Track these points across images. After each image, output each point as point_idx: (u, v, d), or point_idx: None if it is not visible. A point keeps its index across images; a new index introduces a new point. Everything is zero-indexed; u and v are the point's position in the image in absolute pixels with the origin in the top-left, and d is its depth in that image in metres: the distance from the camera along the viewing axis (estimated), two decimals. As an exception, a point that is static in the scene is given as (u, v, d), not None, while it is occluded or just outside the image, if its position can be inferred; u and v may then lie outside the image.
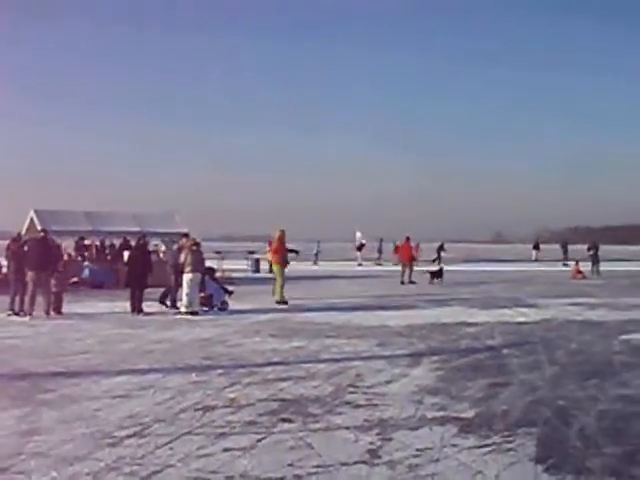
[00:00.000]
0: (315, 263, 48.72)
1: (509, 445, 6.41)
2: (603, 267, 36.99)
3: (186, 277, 17.29)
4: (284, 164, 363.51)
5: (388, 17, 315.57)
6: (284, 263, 20.62)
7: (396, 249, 38.94)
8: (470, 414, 7.55)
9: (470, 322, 15.76)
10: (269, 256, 21.18)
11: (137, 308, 17.41)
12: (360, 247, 49.63)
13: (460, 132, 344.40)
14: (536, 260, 56.95)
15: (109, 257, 29.03)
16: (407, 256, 30.35)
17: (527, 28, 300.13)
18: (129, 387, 8.82)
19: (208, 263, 19.80)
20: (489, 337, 13.40)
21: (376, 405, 7.91)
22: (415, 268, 30.55)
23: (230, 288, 19.31)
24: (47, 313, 16.75)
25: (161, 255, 27.70)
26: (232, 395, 8.36)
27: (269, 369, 10.06)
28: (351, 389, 8.75)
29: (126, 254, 21.69)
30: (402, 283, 28.89)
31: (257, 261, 39.54)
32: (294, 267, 25.01)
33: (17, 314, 16.91)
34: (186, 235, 18.97)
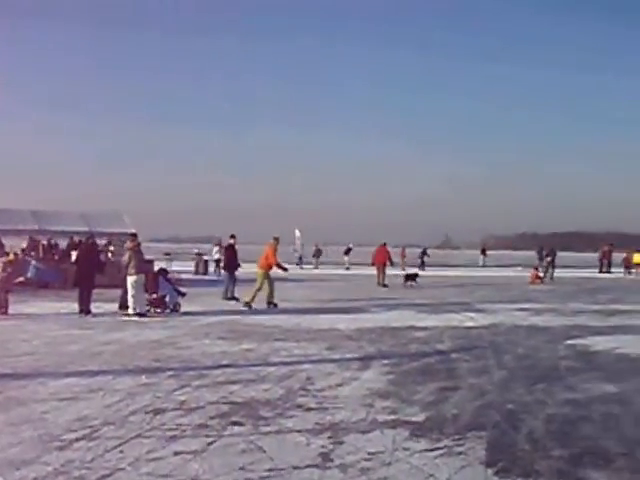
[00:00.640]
0: (300, 267, 48.35)
1: (460, 448, 6.47)
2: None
3: (130, 279, 17.10)
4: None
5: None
6: (270, 268, 20.65)
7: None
8: (421, 418, 7.59)
9: (420, 326, 15.85)
10: (259, 261, 21.05)
11: (85, 309, 17.19)
12: (347, 251, 50.37)
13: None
14: (483, 265, 57.71)
15: (56, 257, 28.62)
16: (381, 260, 31.41)
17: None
18: (77, 389, 8.70)
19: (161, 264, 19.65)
20: (438, 341, 13.49)
21: (327, 408, 7.91)
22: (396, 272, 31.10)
23: (183, 290, 19.18)
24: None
25: (109, 255, 27.45)
26: (182, 398, 8.30)
27: (219, 372, 10.01)
28: (302, 392, 8.75)
29: (74, 254, 21.42)
30: (378, 284, 30.18)
31: (205, 263, 39.37)
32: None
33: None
34: (133, 235, 18.74)
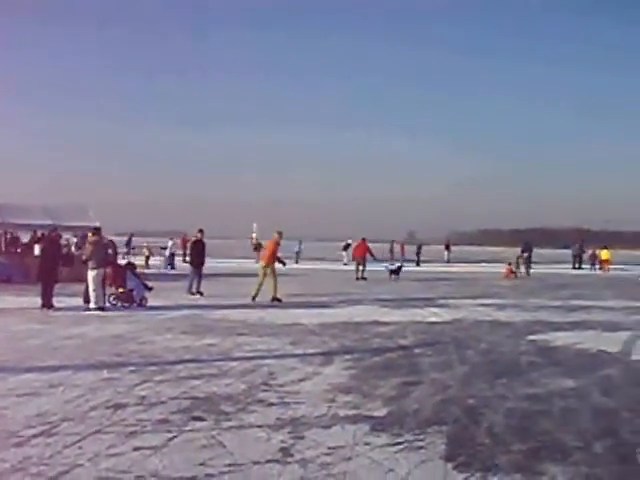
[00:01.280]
0: (296, 262, 48.81)
1: (420, 443, 6.50)
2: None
3: (91, 273, 16.99)
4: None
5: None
6: (274, 263, 20.84)
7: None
8: (382, 412, 7.62)
9: (383, 321, 15.91)
10: (262, 256, 21.16)
11: (47, 303, 17.04)
12: (346, 247, 50.30)
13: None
14: (448, 261, 58.00)
15: (19, 250, 28.34)
16: (361, 255, 32.94)
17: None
18: (37, 384, 8.62)
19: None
20: (401, 336, 13.54)
21: (288, 403, 7.92)
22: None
23: (149, 284, 19.09)
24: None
25: (73, 249, 27.22)
26: (143, 393, 8.26)
27: (181, 367, 9.97)
28: (264, 387, 8.74)
29: (37, 248, 21.22)
30: (357, 279, 31.50)
31: (171, 257, 39.18)
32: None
33: None
34: (96, 229, 18.58)
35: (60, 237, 20.35)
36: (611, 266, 49.48)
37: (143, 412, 7.38)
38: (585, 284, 33.27)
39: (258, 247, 50.31)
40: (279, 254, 21.39)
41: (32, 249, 25.96)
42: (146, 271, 30.12)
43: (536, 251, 47.88)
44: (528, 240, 46.13)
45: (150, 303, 18.25)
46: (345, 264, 47.81)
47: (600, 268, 48.96)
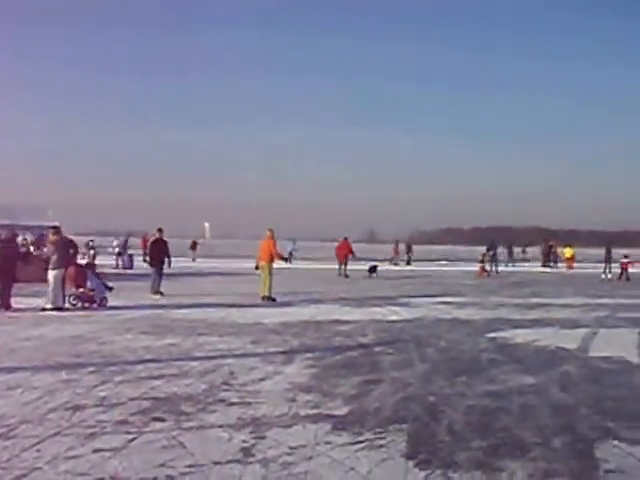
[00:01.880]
0: (289, 261, 48.53)
1: (381, 441, 6.52)
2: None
3: (51, 273, 16.84)
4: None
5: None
6: (271, 261, 20.99)
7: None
8: (343, 411, 7.63)
9: (343, 320, 15.94)
10: (259, 255, 21.40)
11: (5, 304, 16.84)
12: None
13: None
14: (408, 261, 58.25)
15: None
16: (342, 254, 35.52)
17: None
18: (-6, 386, 8.53)
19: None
20: (362, 335, 13.58)
21: (249, 403, 7.89)
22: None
23: (109, 284, 18.94)
24: None
25: (31, 249, 26.92)
26: (103, 394, 8.18)
27: (141, 367, 9.91)
28: (224, 387, 8.71)
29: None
30: (339, 275, 34.32)
31: (131, 257, 39.02)
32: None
33: None
34: (55, 229, 18.35)
35: (17, 236, 20.08)
36: (574, 264, 50.40)
37: (103, 413, 7.31)
38: (546, 282, 33.65)
39: (194, 246, 53.29)
40: (280, 251, 21.79)
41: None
42: (106, 271, 29.90)
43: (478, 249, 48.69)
44: (494, 239, 47.19)
45: (110, 303, 18.10)
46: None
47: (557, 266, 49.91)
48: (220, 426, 6.91)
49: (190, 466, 5.67)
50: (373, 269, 35.52)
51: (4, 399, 7.88)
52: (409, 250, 54.51)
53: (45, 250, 17.61)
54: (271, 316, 16.33)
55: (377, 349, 11.89)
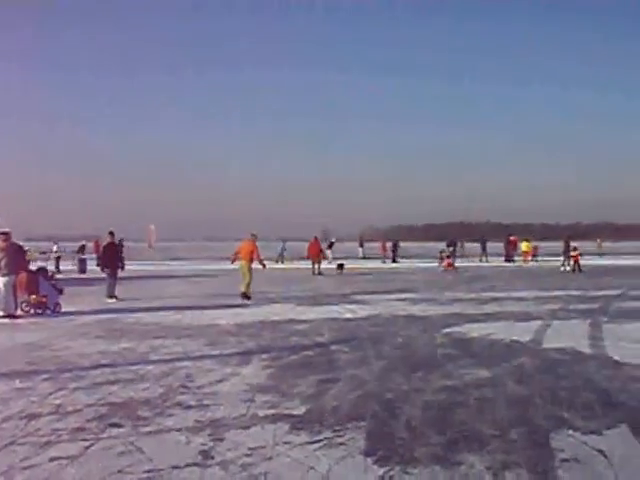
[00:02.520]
0: (279, 262, 50.54)
1: (340, 440, 6.53)
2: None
3: (1, 280, 16.60)
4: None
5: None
6: (251, 261, 21.88)
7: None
8: (301, 411, 7.63)
9: (299, 319, 15.95)
10: (240, 255, 22.23)
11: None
12: (330, 245, 53.20)
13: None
14: (363, 257, 58.61)
15: None
16: (315, 253, 36.86)
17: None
18: (-54, 397, 8.38)
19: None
20: (318, 334, 13.59)
21: (207, 405, 7.86)
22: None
23: (60, 288, 18.72)
24: None
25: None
26: (58, 401, 8.08)
27: (97, 372, 9.80)
28: (182, 390, 8.66)
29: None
30: (313, 274, 35.32)
31: (84, 261, 38.69)
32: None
33: None
34: (6, 234, 18.07)
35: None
36: (530, 257, 51.50)
37: (58, 421, 7.22)
38: (502, 276, 34.00)
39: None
40: (261, 257, 22.39)
41: None
42: (58, 276, 29.60)
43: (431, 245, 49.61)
44: (454, 236, 49.00)
45: (64, 309, 17.91)
46: (329, 262, 48.67)
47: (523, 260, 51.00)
48: (178, 430, 6.87)
49: (149, 471, 5.64)
50: (340, 266, 37.48)
51: (-44, 410, 7.76)
52: (395, 248, 55.30)
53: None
54: (226, 317, 16.28)
55: (333, 347, 11.90)
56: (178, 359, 10.85)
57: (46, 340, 12.93)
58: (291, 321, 15.66)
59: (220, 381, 9.21)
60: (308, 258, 37.55)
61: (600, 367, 10.03)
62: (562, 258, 39.79)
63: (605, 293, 22.71)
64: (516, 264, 48.63)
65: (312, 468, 5.73)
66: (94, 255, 44.64)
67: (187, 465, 5.80)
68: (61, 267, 39.81)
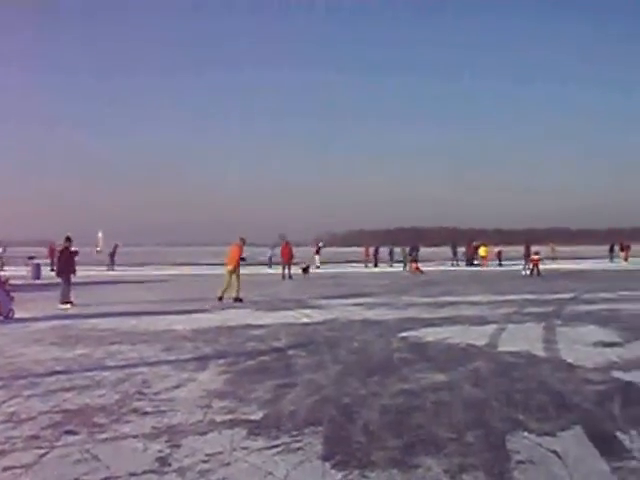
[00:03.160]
0: (269, 267, 51.52)
1: (297, 444, 6.53)
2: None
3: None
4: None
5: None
6: (239, 266, 22.93)
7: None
8: (259, 416, 7.62)
9: (256, 324, 15.92)
10: (227, 260, 23.20)
11: None
12: (318, 250, 54.79)
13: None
14: (320, 262, 58.84)
15: None
16: (286, 256, 38.16)
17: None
18: None
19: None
20: (275, 339, 13.58)
21: (164, 411, 7.81)
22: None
23: (12, 294, 18.48)
24: None
25: None
26: (12, 409, 7.96)
27: (52, 379, 9.69)
28: (138, 396, 8.59)
29: None
30: (283, 278, 36.64)
31: (38, 266, 38.23)
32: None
33: None
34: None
35: None
36: (487, 262, 52.88)
37: (12, 429, 7.12)
38: (458, 280, 34.30)
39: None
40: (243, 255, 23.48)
41: None
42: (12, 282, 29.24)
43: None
44: (415, 241, 51.58)
45: (17, 315, 17.68)
46: (317, 267, 51.14)
47: (478, 264, 52.66)
48: (135, 436, 6.82)
49: (105, 479, 5.58)
50: (306, 269, 39.72)
51: None
52: (377, 252, 57.29)
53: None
54: (183, 323, 16.21)
55: (290, 352, 11.91)
56: (134, 365, 10.78)
57: (-1, 347, 12.77)
58: (248, 326, 15.62)
59: (177, 387, 9.16)
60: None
61: (554, 370, 10.15)
62: (523, 262, 40.73)
63: (559, 296, 23.00)
64: (476, 268, 49.44)
65: (270, 473, 5.72)
66: (48, 260, 44.41)
67: (144, 472, 5.75)
68: (11, 272, 39.23)
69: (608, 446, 6.40)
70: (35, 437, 6.82)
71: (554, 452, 6.24)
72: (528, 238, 52.33)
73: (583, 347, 12.15)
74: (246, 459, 6.10)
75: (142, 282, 34.30)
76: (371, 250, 57.93)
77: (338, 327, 15.47)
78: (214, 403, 8.22)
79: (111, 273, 46.02)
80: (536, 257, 38.62)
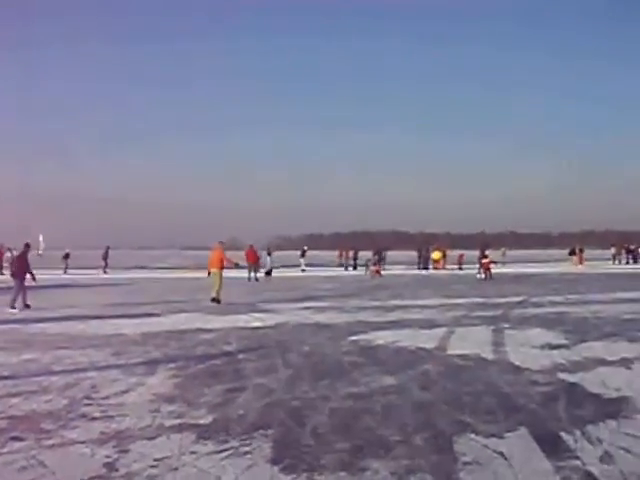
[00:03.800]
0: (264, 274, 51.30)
1: (246, 448, 6.54)
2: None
3: None
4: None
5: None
6: (221, 268, 23.38)
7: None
8: (208, 420, 7.61)
9: (206, 328, 15.87)
10: (210, 262, 23.74)
11: None
12: (303, 253, 55.00)
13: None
14: (272, 267, 58.94)
15: None
16: (252, 259, 39.27)
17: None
18: None
19: None
20: (225, 343, 13.55)
21: (112, 416, 7.76)
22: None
23: None
24: None
25: None
26: (-44, 416, 7.87)
27: (-3, 385, 9.58)
28: (86, 401, 8.52)
29: None
30: (249, 280, 37.39)
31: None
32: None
33: None
34: None
35: None
36: (441, 265, 53.95)
37: (-44, 435, 7.03)
38: (409, 284, 34.54)
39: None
40: (232, 260, 24.55)
41: None
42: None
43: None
44: (380, 245, 52.77)
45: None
46: (303, 270, 51.72)
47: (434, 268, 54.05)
48: (82, 442, 6.77)
49: (51, 485, 5.54)
50: (269, 273, 41.01)
51: None
52: (356, 255, 57.60)
53: None
54: (132, 327, 16.09)
55: (241, 356, 11.89)
56: (83, 370, 10.68)
57: (-57, 353, 12.55)
58: (198, 330, 15.56)
59: (126, 391, 9.11)
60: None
61: (502, 372, 10.29)
62: (477, 266, 41.06)
63: (508, 300, 23.24)
64: (428, 272, 50.02)
65: (219, 478, 5.73)
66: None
67: (91, 478, 5.71)
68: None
69: (552, 446, 6.51)
70: (-20, 443, 6.74)
71: (500, 453, 6.33)
72: (483, 242, 52.70)
73: (530, 349, 12.31)
74: (195, 464, 6.09)
75: (92, 285, 33.97)
76: (350, 253, 58.33)
77: (288, 331, 15.48)
78: (163, 407, 8.19)
79: (105, 276, 45.61)
80: (486, 260, 38.95)
